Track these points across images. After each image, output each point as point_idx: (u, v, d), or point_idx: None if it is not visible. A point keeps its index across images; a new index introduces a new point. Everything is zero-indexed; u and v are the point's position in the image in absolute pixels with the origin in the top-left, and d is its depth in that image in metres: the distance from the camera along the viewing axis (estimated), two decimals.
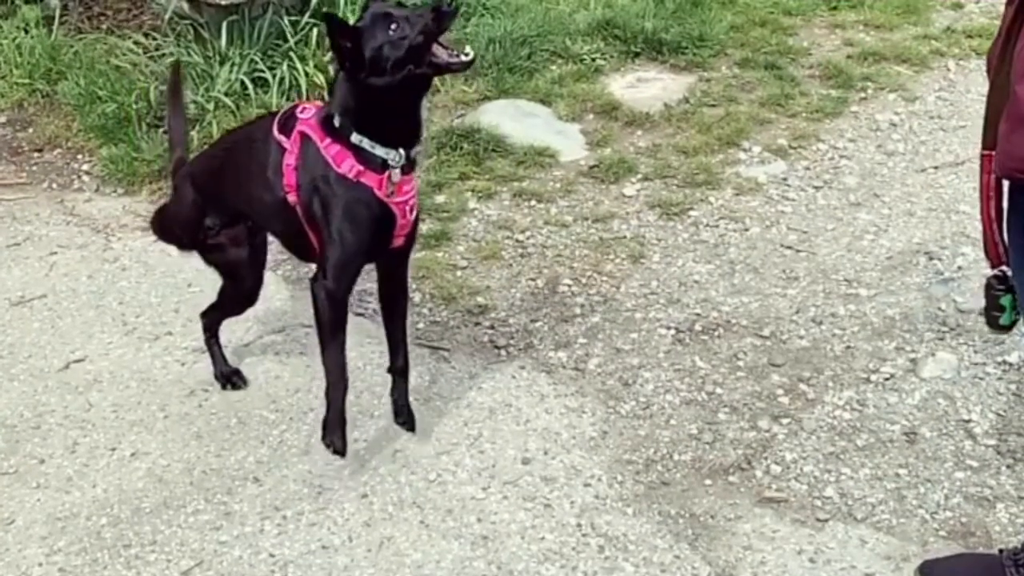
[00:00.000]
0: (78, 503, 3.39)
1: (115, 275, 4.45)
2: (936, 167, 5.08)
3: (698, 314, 4.15)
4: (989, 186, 2.67)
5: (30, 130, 5.41)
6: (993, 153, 2.59)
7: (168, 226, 3.77)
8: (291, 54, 5.21)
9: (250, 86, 5.17)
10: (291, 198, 3.23)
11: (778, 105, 5.53)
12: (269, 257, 4.44)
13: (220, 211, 3.52)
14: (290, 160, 3.22)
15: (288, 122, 3.26)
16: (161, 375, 3.90)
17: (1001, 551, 3.06)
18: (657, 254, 4.50)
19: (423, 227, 4.38)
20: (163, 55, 5.35)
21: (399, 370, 3.53)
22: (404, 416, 3.56)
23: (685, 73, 5.81)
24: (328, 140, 3.16)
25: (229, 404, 3.76)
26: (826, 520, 3.30)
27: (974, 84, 5.64)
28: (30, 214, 4.87)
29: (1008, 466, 3.47)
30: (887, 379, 3.83)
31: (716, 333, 4.04)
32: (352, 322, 4.03)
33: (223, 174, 3.50)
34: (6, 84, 5.58)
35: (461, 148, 5.11)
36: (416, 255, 4.43)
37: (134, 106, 5.18)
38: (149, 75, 5.33)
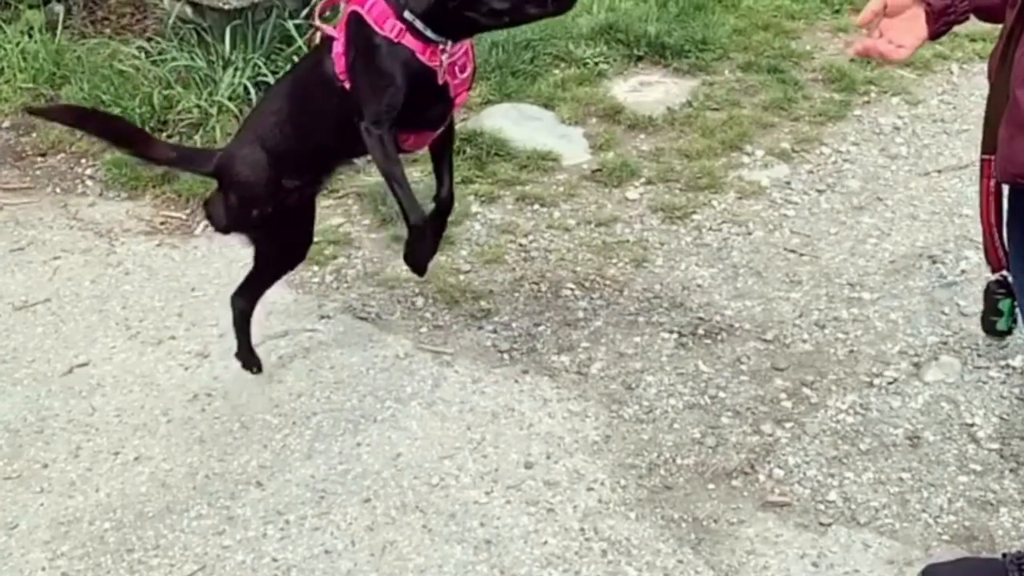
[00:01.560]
0: (81, 507, 3.39)
1: (118, 279, 4.45)
2: (939, 171, 5.08)
3: (701, 318, 4.15)
4: (989, 190, 2.67)
5: (34, 135, 5.42)
6: (993, 158, 2.59)
7: (241, 205, 3.60)
8: (295, 58, 5.21)
9: (253, 90, 5.17)
10: (346, 85, 3.23)
11: (781, 109, 5.53)
12: None
13: (298, 162, 3.49)
14: (338, 48, 3.22)
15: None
16: (164, 379, 3.90)
17: (1004, 555, 3.05)
18: (660, 258, 4.49)
19: None
20: (166, 59, 5.35)
21: (442, 200, 3.54)
22: (423, 251, 3.52)
23: (688, 77, 5.81)
24: (371, 4, 3.16)
25: (232, 408, 3.76)
26: (829, 524, 3.30)
27: (977, 87, 5.63)
28: (33, 218, 4.87)
29: (1011, 470, 3.46)
30: (890, 383, 3.83)
31: (719, 337, 4.04)
32: (354, 325, 4.05)
33: (294, 113, 3.46)
34: (10, 89, 5.58)
35: (464, 152, 5.10)
36: None
37: (138, 111, 5.17)
38: (152, 80, 5.33)
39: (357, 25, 3.21)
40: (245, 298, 3.80)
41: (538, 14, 3.19)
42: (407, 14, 3.14)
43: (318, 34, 3.38)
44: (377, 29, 3.16)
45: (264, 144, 3.51)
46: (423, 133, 3.39)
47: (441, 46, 3.16)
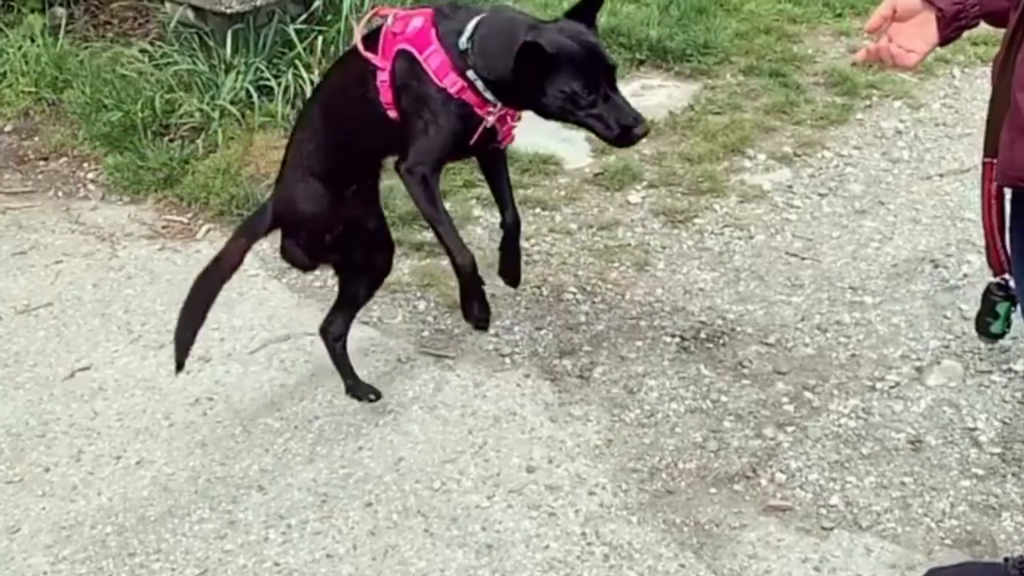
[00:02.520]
0: (83, 511, 3.39)
1: (120, 283, 4.45)
2: (941, 174, 5.07)
3: (703, 322, 4.15)
4: (991, 194, 2.66)
5: (36, 138, 5.42)
6: (995, 161, 2.59)
7: (312, 239, 3.58)
8: (296, 62, 5.21)
9: (255, 94, 5.17)
10: (391, 114, 3.22)
11: (783, 113, 5.53)
12: (273, 264, 4.48)
13: (349, 170, 3.49)
14: (383, 77, 3.20)
15: (373, 37, 3.24)
16: (166, 383, 3.90)
17: (1006, 559, 3.05)
18: (662, 262, 4.49)
19: (427, 235, 4.38)
20: (168, 63, 5.35)
21: (509, 225, 3.53)
22: (508, 269, 3.57)
23: (690, 81, 5.81)
24: (433, 48, 3.13)
25: (234, 412, 3.76)
26: (831, 528, 3.29)
27: (979, 91, 5.63)
28: (36, 222, 4.87)
29: (1014, 474, 3.46)
30: (892, 387, 3.82)
31: (721, 341, 4.04)
32: (356, 329, 4.04)
33: (333, 132, 3.44)
34: (12, 93, 5.59)
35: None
36: (420, 263, 4.45)
37: (140, 114, 5.17)
38: (154, 84, 5.33)
39: (409, 65, 3.17)
40: (337, 326, 3.71)
41: (600, 132, 3.15)
42: (471, 73, 3.12)
43: (356, 35, 3.33)
44: (436, 80, 3.13)
45: (312, 171, 3.48)
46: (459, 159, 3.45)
47: (498, 106, 3.17)
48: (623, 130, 3.11)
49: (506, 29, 3.14)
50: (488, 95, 3.15)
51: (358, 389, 3.74)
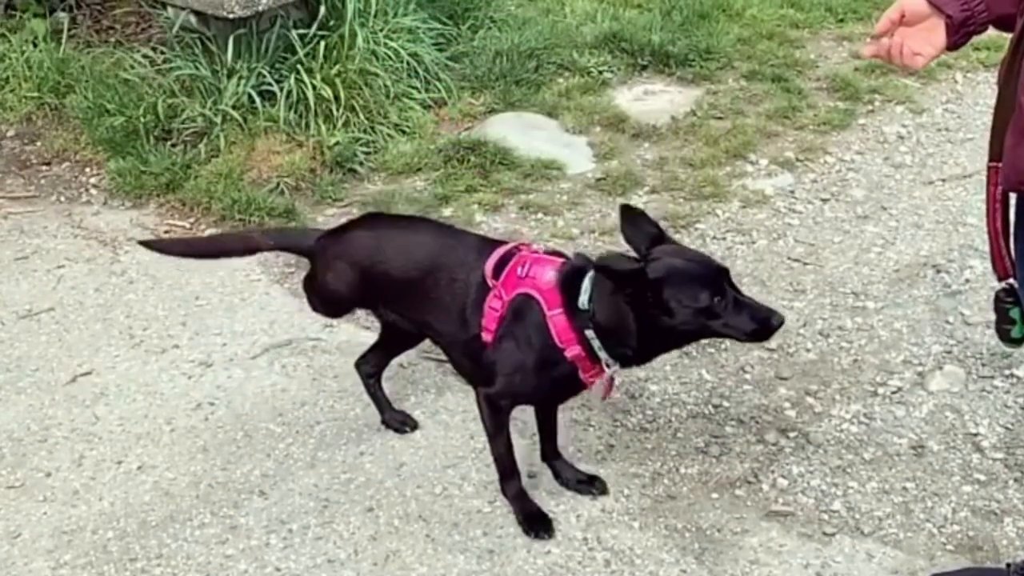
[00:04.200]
0: (84, 516, 3.39)
1: (122, 288, 4.45)
2: (944, 179, 5.07)
3: None
4: (995, 198, 2.66)
5: (38, 143, 5.43)
6: (999, 166, 2.59)
7: (326, 300, 3.55)
8: (299, 67, 5.22)
9: (257, 99, 5.18)
10: (485, 336, 3.14)
11: (785, 118, 5.53)
12: (275, 269, 4.48)
13: (388, 311, 3.44)
14: (495, 304, 3.12)
15: (503, 263, 3.15)
16: (168, 388, 3.90)
17: (1008, 565, 3.05)
18: None
19: None
20: (171, 68, 5.36)
21: (551, 453, 3.47)
22: (585, 483, 3.44)
23: (692, 86, 5.81)
24: (560, 311, 3.06)
25: (235, 417, 3.76)
26: (833, 534, 3.29)
27: (982, 96, 5.63)
28: (38, 227, 4.88)
29: (1016, 480, 3.45)
30: (894, 392, 3.82)
31: (723, 346, 4.03)
32: (358, 334, 4.05)
33: (403, 288, 3.32)
34: (15, 97, 5.59)
35: (468, 161, 5.12)
36: None
37: (142, 119, 5.18)
38: (157, 88, 5.34)
39: (527, 310, 3.09)
40: (371, 364, 3.68)
41: (740, 336, 3.05)
42: (589, 332, 3.05)
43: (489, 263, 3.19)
44: (554, 338, 3.06)
45: (352, 263, 3.40)
46: None
47: (610, 368, 3.10)
48: (761, 324, 3.00)
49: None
50: (603, 354, 3.06)
51: (393, 421, 3.69)
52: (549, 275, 3.10)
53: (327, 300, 3.53)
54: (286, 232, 3.60)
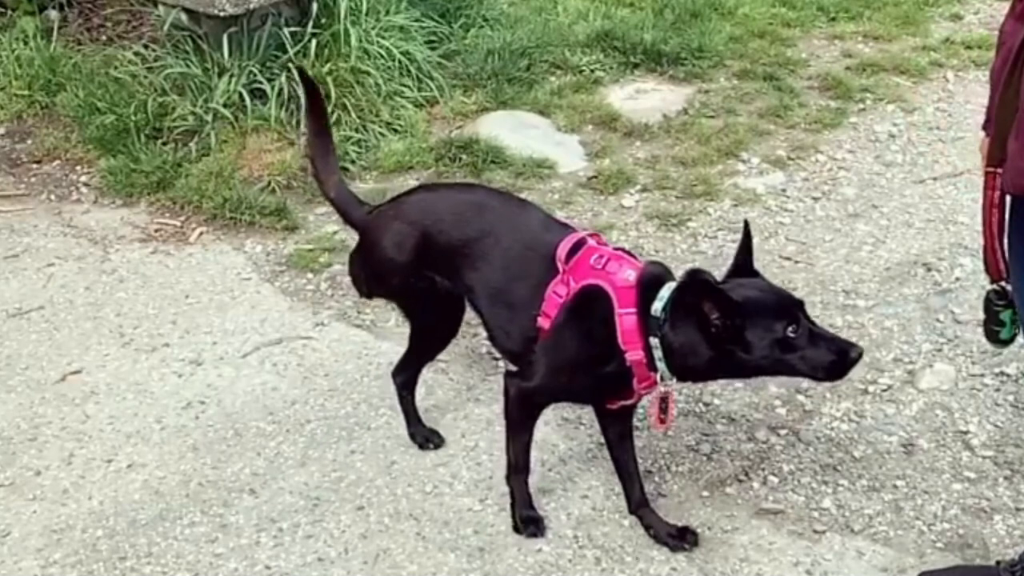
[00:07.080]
0: (74, 515, 3.39)
1: (112, 287, 4.44)
2: (934, 178, 5.08)
3: None
4: (993, 202, 2.66)
5: (29, 142, 5.42)
6: (999, 170, 2.59)
7: (376, 272, 3.41)
8: (290, 65, 5.21)
9: (248, 98, 5.17)
10: (542, 321, 3.04)
11: (777, 116, 5.54)
12: (266, 268, 4.48)
13: (442, 277, 3.26)
14: (561, 290, 3.02)
15: (575, 250, 3.06)
16: (158, 387, 3.89)
17: (998, 563, 3.05)
18: None
19: None
20: (162, 66, 5.35)
21: (639, 501, 3.30)
22: (676, 537, 3.25)
23: (684, 84, 5.82)
24: (632, 310, 2.95)
25: (226, 416, 3.75)
26: (823, 532, 3.29)
27: (973, 95, 5.64)
28: (28, 225, 4.87)
29: (1005, 478, 3.46)
30: (885, 390, 3.82)
31: None
32: (348, 333, 4.05)
33: (461, 250, 3.19)
34: (5, 96, 5.58)
35: (460, 160, 5.11)
36: None
37: (133, 118, 5.18)
38: (148, 87, 5.33)
39: (595, 302, 2.98)
40: (405, 374, 3.60)
41: (817, 374, 2.96)
42: (654, 340, 2.94)
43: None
44: (619, 337, 2.96)
45: (411, 222, 3.28)
46: None
47: (664, 380, 3.00)
48: (839, 356, 2.92)
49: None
50: (661, 364, 2.96)
51: (418, 435, 3.62)
52: (627, 273, 3.01)
53: (376, 272, 3.37)
54: (348, 192, 3.51)
